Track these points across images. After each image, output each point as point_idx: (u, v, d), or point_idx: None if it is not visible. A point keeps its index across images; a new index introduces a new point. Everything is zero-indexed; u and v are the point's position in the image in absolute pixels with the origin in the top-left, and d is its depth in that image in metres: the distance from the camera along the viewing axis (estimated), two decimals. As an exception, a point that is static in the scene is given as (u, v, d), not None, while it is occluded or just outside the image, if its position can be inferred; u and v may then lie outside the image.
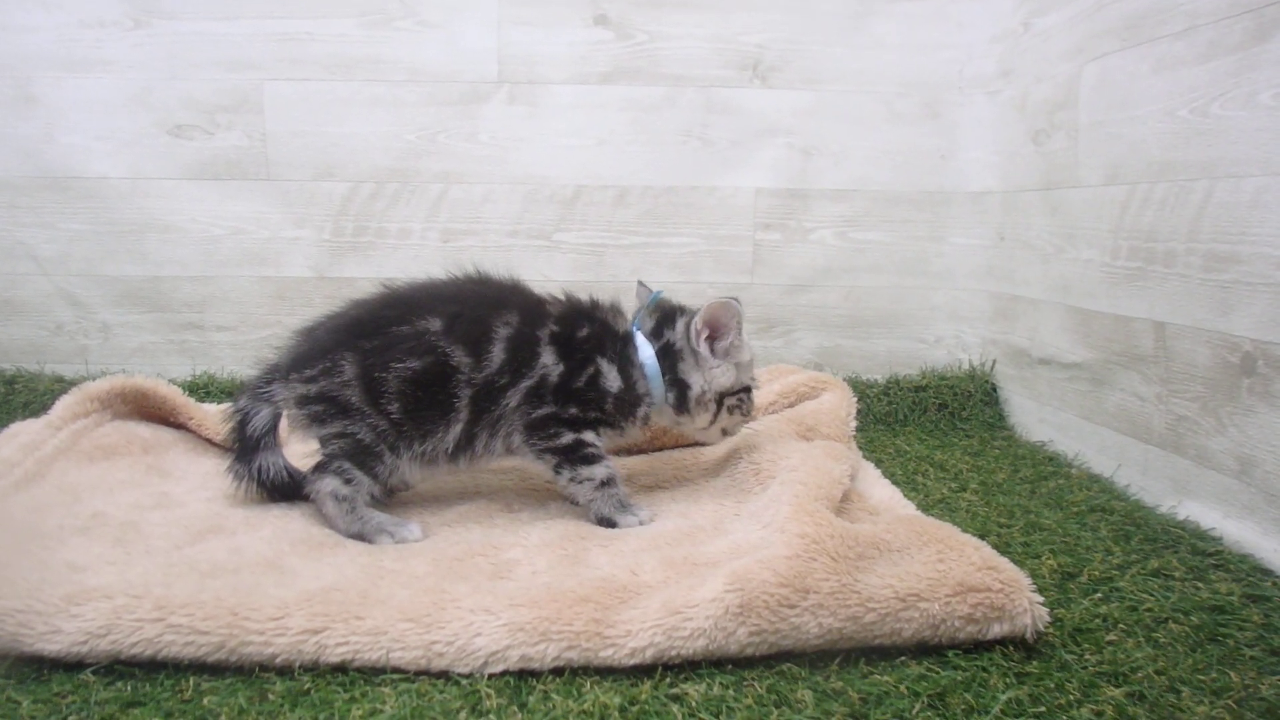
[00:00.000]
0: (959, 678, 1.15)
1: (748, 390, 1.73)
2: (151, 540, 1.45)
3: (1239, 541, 1.58)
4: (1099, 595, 1.39)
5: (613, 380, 1.65)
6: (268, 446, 1.67)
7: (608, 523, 1.60)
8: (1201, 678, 1.15)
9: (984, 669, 1.17)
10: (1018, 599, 1.22)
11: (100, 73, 2.53)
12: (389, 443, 1.58)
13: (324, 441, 1.61)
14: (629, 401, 1.67)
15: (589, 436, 1.64)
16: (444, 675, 1.16)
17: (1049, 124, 2.21)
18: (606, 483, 1.62)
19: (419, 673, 1.16)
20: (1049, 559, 1.51)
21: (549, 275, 2.62)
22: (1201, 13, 1.66)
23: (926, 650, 1.21)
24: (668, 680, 1.15)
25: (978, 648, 1.22)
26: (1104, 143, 1.98)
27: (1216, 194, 1.62)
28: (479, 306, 1.64)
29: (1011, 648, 1.22)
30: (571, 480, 1.62)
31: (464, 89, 2.58)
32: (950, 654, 1.20)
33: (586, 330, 1.66)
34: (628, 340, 1.69)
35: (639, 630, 1.16)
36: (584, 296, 1.74)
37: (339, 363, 1.58)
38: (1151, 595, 1.38)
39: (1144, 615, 1.32)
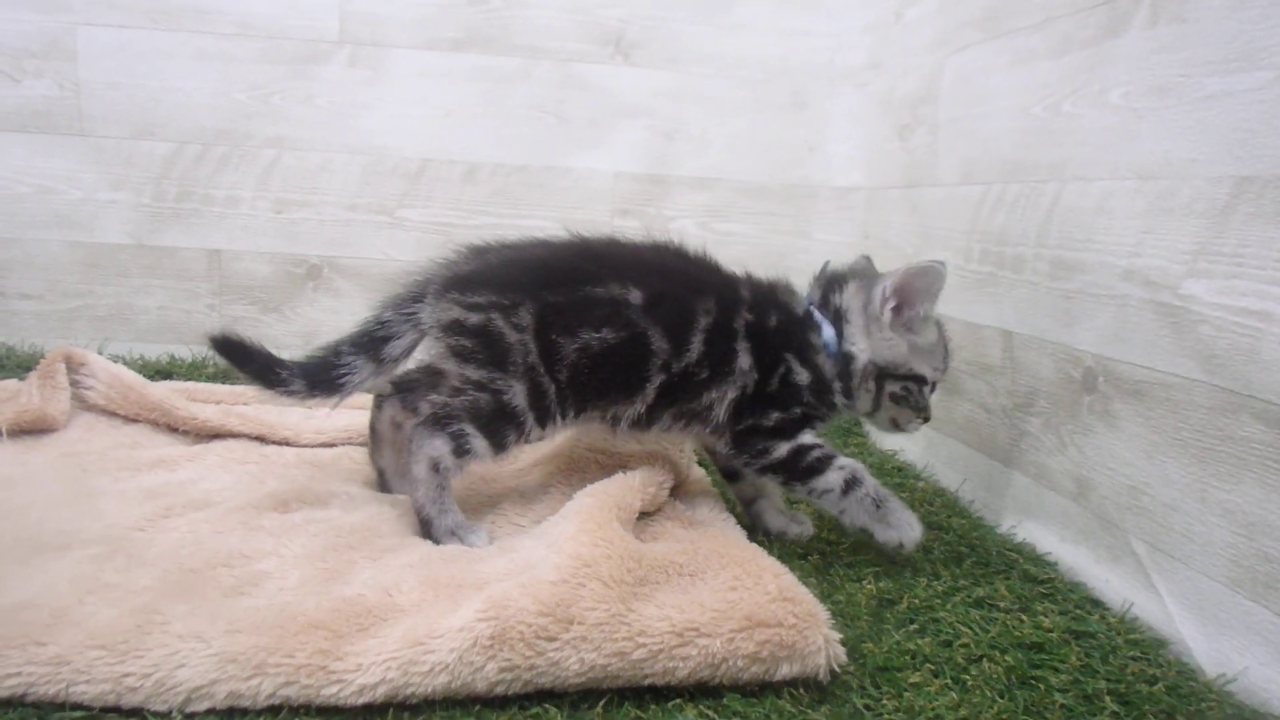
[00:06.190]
0: (735, 726, 1.01)
1: (919, 380, 1.50)
2: None
3: (1072, 568, 1.48)
4: (915, 627, 1.27)
5: (801, 374, 1.48)
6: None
7: (867, 534, 1.44)
8: (1002, 730, 1.04)
9: (766, 715, 1.03)
10: (812, 636, 1.08)
11: (-112, 9, 2.24)
12: (540, 412, 1.39)
13: (454, 388, 1.40)
14: (821, 389, 1.49)
15: (807, 439, 1.46)
16: (137, 714, 0.98)
17: (913, 119, 2.10)
18: (849, 487, 1.43)
19: (106, 710, 0.98)
20: (870, 583, 1.38)
21: (391, 255, 2.44)
22: (1057, 4, 1.55)
23: (706, 691, 1.07)
24: (398, 725, 0.99)
25: (764, 689, 1.08)
26: (961, 139, 1.87)
27: (1065, 197, 1.52)
28: (682, 286, 1.46)
29: (802, 689, 1.08)
30: (810, 495, 1.45)
31: (301, 47, 2.36)
32: (728, 697, 1.06)
33: (775, 320, 1.49)
34: (807, 322, 1.50)
35: (371, 664, 1.00)
36: (762, 278, 1.57)
37: (517, 306, 1.38)
38: (970, 628, 1.26)
39: (957, 652, 1.20)
